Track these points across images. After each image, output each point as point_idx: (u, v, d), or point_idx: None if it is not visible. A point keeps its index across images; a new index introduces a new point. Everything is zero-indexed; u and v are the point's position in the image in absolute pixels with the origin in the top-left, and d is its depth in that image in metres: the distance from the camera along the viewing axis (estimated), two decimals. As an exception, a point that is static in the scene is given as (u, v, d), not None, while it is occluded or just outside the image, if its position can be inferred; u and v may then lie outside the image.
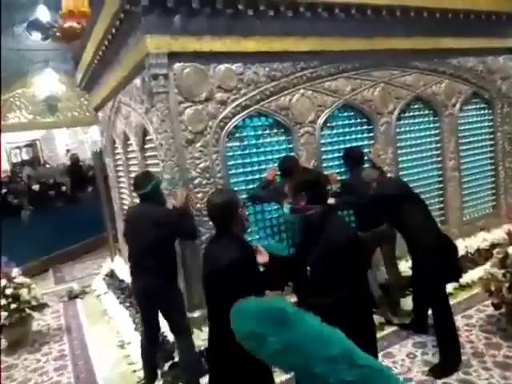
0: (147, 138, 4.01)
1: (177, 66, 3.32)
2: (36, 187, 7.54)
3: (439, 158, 4.87)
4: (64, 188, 8.32)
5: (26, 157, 14.05)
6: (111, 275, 5.59)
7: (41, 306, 4.38)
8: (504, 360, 3.13)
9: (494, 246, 4.76)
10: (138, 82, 3.67)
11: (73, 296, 5.53)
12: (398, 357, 3.31)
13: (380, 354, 3.35)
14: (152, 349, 3.12)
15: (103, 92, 5.00)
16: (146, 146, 4.13)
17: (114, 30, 3.60)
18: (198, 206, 3.46)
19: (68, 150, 13.53)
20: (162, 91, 3.27)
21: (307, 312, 1.08)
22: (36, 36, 10.12)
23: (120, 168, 5.34)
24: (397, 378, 0.90)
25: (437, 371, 3.03)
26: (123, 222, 3.73)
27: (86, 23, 4.33)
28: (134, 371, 3.41)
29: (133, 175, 4.77)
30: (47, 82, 10.19)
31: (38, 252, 6.83)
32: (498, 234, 4.89)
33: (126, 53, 3.70)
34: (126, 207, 5.37)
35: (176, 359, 3.19)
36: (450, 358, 3.08)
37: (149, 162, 4.12)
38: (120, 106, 4.60)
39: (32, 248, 6.43)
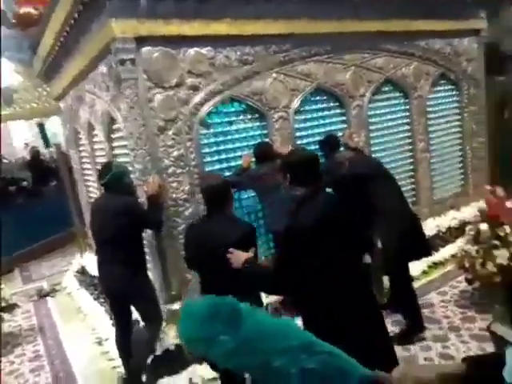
0: (114, 126, 3.85)
1: (144, 50, 3.17)
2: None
3: (410, 140, 4.94)
4: (25, 183, 7.93)
5: (-19, 152, 13.35)
6: (82, 272, 5.39)
7: (10, 307, 4.20)
8: (480, 332, 3.24)
9: (463, 224, 4.92)
10: (103, 68, 3.49)
11: (43, 295, 5.31)
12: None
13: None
14: (127, 342, 3.05)
15: (64, 81, 4.75)
16: (113, 136, 3.97)
17: (76, 15, 3.38)
18: (174, 196, 3.36)
19: (26, 144, 12.93)
20: (130, 77, 3.12)
21: (257, 308, 1.02)
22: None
23: (85, 160, 5.12)
24: (355, 363, 0.88)
25: (401, 339, 3.21)
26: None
27: (44, 9, 4.07)
28: (114, 367, 3.31)
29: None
30: (2, 73, 9.63)
31: (1, 251, 6.48)
32: (467, 212, 5.05)
33: (90, 39, 3.50)
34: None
35: (158, 352, 3.11)
36: (413, 326, 3.28)
37: (117, 152, 3.96)
38: (83, 95, 4.38)
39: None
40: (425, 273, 4.38)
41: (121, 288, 2.88)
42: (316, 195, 2.00)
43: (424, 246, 3.40)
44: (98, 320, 4.11)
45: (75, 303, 4.83)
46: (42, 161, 9.01)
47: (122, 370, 3.19)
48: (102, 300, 4.35)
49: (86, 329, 4.15)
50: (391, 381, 0.84)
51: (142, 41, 3.13)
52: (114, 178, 2.94)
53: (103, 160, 4.34)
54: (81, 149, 5.13)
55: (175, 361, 3.13)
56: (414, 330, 3.28)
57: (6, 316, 4.23)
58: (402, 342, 3.20)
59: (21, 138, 13.21)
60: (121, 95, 3.23)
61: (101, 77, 3.60)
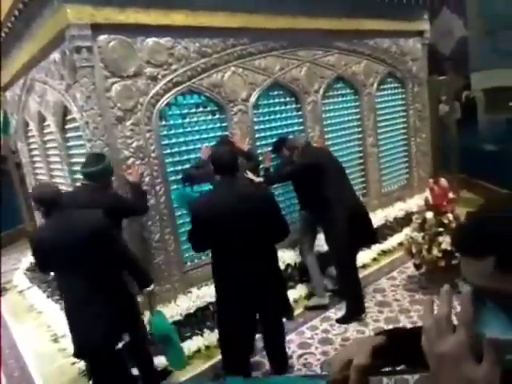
0: (68, 117, 3.74)
1: (101, 38, 3.10)
2: None
3: (360, 135, 5.17)
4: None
5: None
6: (33, 269, 5.17)
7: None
8: (427, 313, 3.49)
9: (409, 214, 5.25)
10: (56, 56, 3.38)
11: (-6, 293, 5.03)
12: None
13: (317, 319, 3.57)
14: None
15: (12, 69, 4.53)
16: (66, 127, 3.85)
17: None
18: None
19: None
20: (87, 65, 3.05)
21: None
22: None
23: (35, 152, 4.91)
24: None
25: (342, 320, 3.55)
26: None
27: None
28: (73, 363, 3.23)
29: (52, 159, 4.45)
30: None
31: None
32: (413, 203, 5.39)
33: (41, 25, 3.38)
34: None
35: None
36: (355, 309, 3.57)
37: (71, 143, 3.86)
38: (33, 84, 4.21)
39: None
40: (375, 260, 4.65)
41: None
42: (226, 181, 2.55)
43: (371, 234, 3.71)
44: (53, 317, 3.99)
45: (27, 301, 4.65)
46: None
47: (80, 365, 3.14)
48: (57, 297, 4.22)
49: (40, 327, 4.03)
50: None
51: (98, 28, 3.06)
52: (102, 171, 2.92)
53: (55, 152, 4.20)
54: (30, 141, 4.91)
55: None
56: (355, 313, 3.55)
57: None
58: (341, 321, 3.53)
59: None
60: (76, 84, 3.15)
61: (53, 65, 3.49)
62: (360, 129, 5.15)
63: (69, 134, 3.85)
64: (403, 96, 5.67)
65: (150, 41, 3.33)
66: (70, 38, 2.97)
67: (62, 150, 3.96)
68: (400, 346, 0.88)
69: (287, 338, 3.31)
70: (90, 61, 3.05)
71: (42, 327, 4.00)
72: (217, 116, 3.88)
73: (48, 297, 4.40)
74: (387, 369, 0.90)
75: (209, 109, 3.83)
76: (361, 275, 4.20)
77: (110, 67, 3.15)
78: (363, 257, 4.46)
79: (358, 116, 5.13)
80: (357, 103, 5.09)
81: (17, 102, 4.85)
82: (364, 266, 4.47)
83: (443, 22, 7.89)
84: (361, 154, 5.21)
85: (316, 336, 3.38)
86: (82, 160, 3.53)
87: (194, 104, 3.75)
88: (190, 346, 3.27)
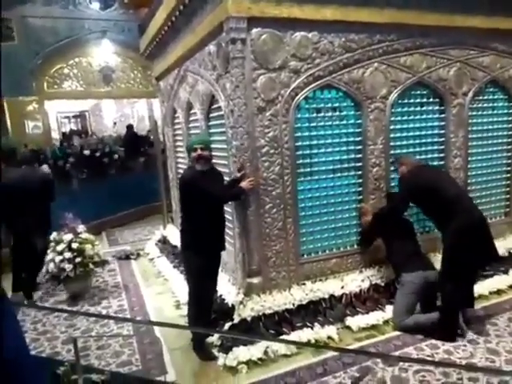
0: (213, 106, 4.04)
1: (254, 31, 3.28)
2: (96, 153, 7.76)
3: (509, 146, 4.64)
4: (116, 156, 8.56)
5: (74, 127, 14.58)
6: (164, 241, 5.75)
7: (102, 263, 4.57)
8: None
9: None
10: (211, 47, 3.67)
11: (129, 256, 5.74)
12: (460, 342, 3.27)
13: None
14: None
15: (168, 60, 5.05)
16: (210, 115, 4.16)
17: (191, -5, 3.60)
18: (265, 175, 3.47)
19: (115, 123, 13.93)
20: (239, 56, 3.25)
21: None
22: (95, 5, 10.42)
23: (179, 138, 5.41)
24: None
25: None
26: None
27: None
28: (192, 331, 3.50)
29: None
30: (104, 53, 10.46)
31: (91, 215, 7.00)
32: None
33: (202, 18, 3.69)
34: (182, 176, 5.48)
35: (235, 321, 3.25)
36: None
37: (213, 130, 4.15)
38: (186, 75, 4.63)
39: (85, 211, 6.59)
40: (503, 292, 4.09)
41: None
42: None
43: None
44: (178, 285, 4.36)
45: (156, 268, 5.18)
46: (137, 137, 9.63)
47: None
48: (182, 268, 4.61)
49: (165, 292, 4.45)
50: None
51: (252, 21, 3.24)
52: None
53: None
54: (176, 127, 5.43)
55: (250, 331, 3.25)
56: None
57: (97, 270, 4.65)
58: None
59: (111, 116, 14.22)
60: (227, 74, 3.38)
61: (207, 56, 3.79)
62: (510, 139, 4.61)
63: (211, 122, 4.15)
64: None
65: (299, 35, 3.42)
66: (227, 30, 3.20)
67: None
68: None
69: (403, 350, 3.15)
70: (243, 52, 3.25)
71: (167, 293, 4.41)
72: (352, 112, 3.82)
73: (174, 267, 4.83)
74: None
75: (345, 104, 3.79)
76: (494, 301, 3.85)
77: (258, 59, 3.32)
78: (498, 282, 4.03)
79: (510, 125, 4.59)
80: (510, 111, 4.56)
81: (168, 91, 5.40)
82: (498, 292, 4.00)
83: None
84: (508, 168, 4.66)
85: (436, 355, 3.13)
86: (222, 146, 3.82)
87: (330, 98, 3.74)
88: (300, 335, 3.29)
